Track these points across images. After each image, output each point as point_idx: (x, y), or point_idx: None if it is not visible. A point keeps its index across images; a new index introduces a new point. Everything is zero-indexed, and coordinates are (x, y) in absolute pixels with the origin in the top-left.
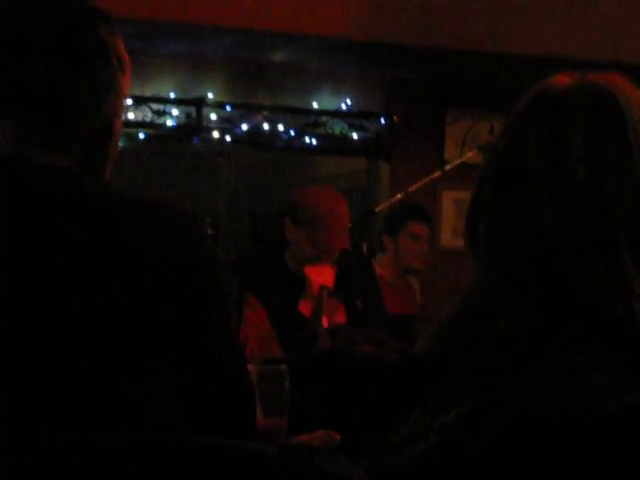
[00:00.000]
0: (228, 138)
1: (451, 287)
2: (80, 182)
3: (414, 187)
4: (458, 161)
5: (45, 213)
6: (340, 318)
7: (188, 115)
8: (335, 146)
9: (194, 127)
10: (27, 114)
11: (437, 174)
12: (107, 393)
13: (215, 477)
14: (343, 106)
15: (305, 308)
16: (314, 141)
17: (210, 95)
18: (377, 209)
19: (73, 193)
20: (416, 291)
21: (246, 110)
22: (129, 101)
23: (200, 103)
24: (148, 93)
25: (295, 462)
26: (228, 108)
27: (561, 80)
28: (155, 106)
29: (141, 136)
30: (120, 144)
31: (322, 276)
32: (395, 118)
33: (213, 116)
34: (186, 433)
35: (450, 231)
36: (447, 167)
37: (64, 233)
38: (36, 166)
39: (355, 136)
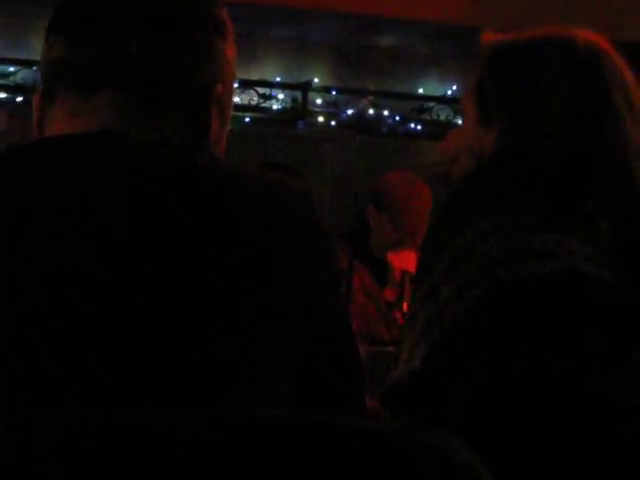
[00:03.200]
0: (333, 123)
1: None
2: (190, 156)
3: None
4: None
5: (158, 191)
6: None
7: (294, 99)
8: (440, 132)
9: (300, 111)
10: (123, 86)
11: None
12: (222, 371)
13: (335, 455)
14: (449, 92)
15: (390, 294)
16: (419, 127)
17: (316, 79)
18: None
19: (185, 169)
20: None
21: (352, 95)
22: (235, 85)
23: (306, 87)
24: (254, 77)
25: (416, 442)
26: (334, 93)
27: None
28: (261, 90)
29: (247, 120)
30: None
31: (404, 261)
32: None
33: (319, 100)
34: (303, 411)
35: None
36: None
37: (180, 212)
38: (142, 141)
39: (460, 122)
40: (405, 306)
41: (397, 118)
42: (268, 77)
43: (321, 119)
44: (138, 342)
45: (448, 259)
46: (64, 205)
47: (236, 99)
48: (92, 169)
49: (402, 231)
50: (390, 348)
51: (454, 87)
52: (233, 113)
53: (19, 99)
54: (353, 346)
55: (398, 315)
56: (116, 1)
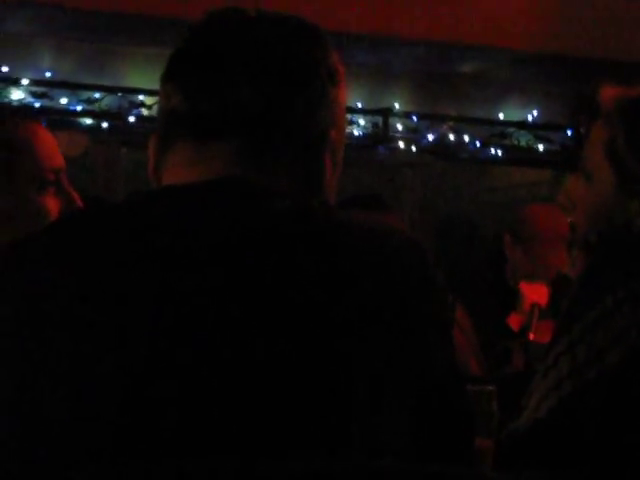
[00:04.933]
0: (414, 148)
1: None
2: (306, 207)
3: None
4: None
5: (276, 241)
6: (545, 338)
7: (375, 124)
8: (520, 157)
9: (380, 137)
10: (238, 135)
11: None
12: (342, 423)
13: None
14: (529, 117)
15: (514, 322)
16: (499, 152)
17: (397, 105)
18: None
19: (301, 220)
20: None
21: (432, 120)
22: None
23: (387, 113)
24: None
25: None
26: (414, 118)
27: None
28: None
29: None
30: None
31: (536, 293)
32: (581, 130)
33: (399, 126)
34: (416, 461)
35: None
36: None
37: (297, 263)
38: (260, 189)
39: (541, 147)
40: (531, 335)
41: (477, 143)
42: (349, 103)
43: (402, 144)
44: (264, 391)
45: (588, 321)
46: (196, 253)
47: None
48: (216, 217)
49: (536, 263)
50: (490, 387)
51: (535, 112)
52: None
53: (104, 125)
54: (462, 391)
55: (517, 345)
56: (231, 49)
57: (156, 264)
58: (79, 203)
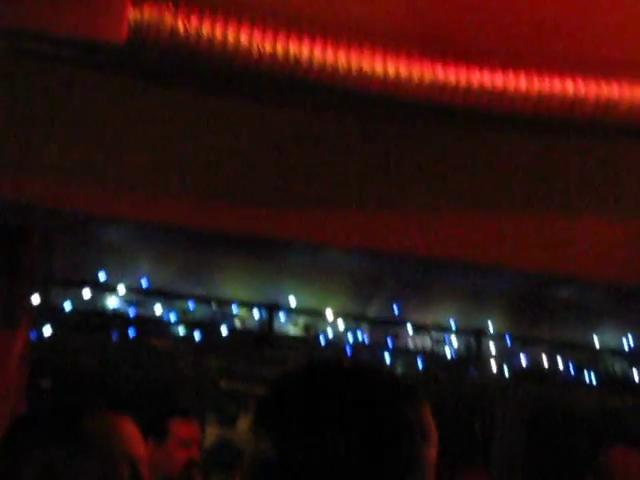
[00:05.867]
0: (506, 370)
1: None
2: None
3: None
4: None
5: None
6: None
7: (467, 345)
8: (614, 383)
9: (473, 357)
10: None
11: None
12: None
13: None
14: (625, 343)
15: None
16: (593, 377)
17: (490, 325)
18: None
19: None
20: None
21: (525, 343)
22: (409, 328)
23: (479, 333)
24: (429, 320)
25: None
26: (507, 339)
27: None
28: (435, 334)
29: (419, 364)
30: (399, 370)
31: None
32: None
33: (492, 347)
34: None
35: None
36: None
37: None
38: None
39: (636, 374)
40: None
41: (571, 368)
42: (442, 321)
43: (494, 366)
44: None
45: None
46: None
47: (409, 342)
48: None
49: None
50: None
51: (630, 338)
52: (405, 357)
53: (197, 336)
54: None
55: None
56: (326, 396)
57: None
58: None
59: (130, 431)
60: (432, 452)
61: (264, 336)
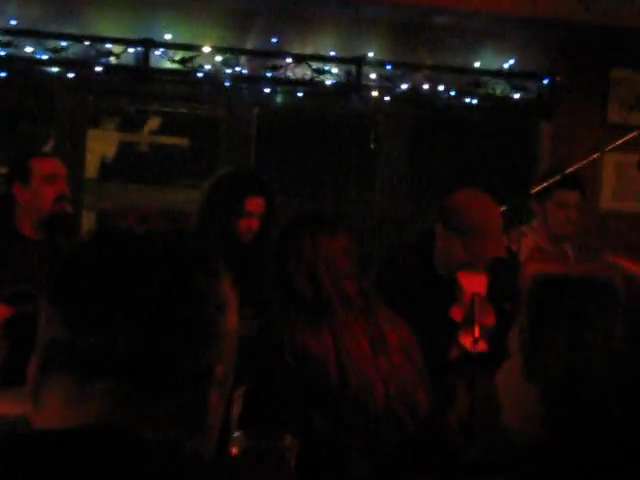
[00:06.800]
0: (387, 97)
1: (611, 249)
2: (174, 459)
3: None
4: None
5: None
6: (489, 320)
7: (348, 73)
8: (496, 106)
9: (353, 85)
10: (118, 375)
11: (595, 156)
12: None
13: None
14: (505, 66)
15: (457, 314)
16: (474, 101)
17: (370, 54)
18: (533, 191)
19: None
20: (570, 258)
21: (406, 69)
22: (289, 59)
23: (360, 61)
24: (309, 51)
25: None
26: (388, 67)
27: None
28: (315, 64)
29: (300, 94)
30: (279, 100)
31: (475, 284)
32: (558, 78)
33: (373, 75)
34: None
35: (610, 193)
36: (607, 149)
37: None
38: (132, 440)
39: (517, 96)
40: (477, 331)
41: (452, 92)
42: (322, 51)
43: (375, 93)
44: None
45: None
46: None
47: (289, 73)
48: (85, 468)
49: (474, 254)
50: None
51: (510, 61)
52: (286, 87)
53: (70, 75)
54: None
55: (466, 338)
56: (115, 278)
57: None
58: None
59: None
60: (232, 319)
61: (140, 71)
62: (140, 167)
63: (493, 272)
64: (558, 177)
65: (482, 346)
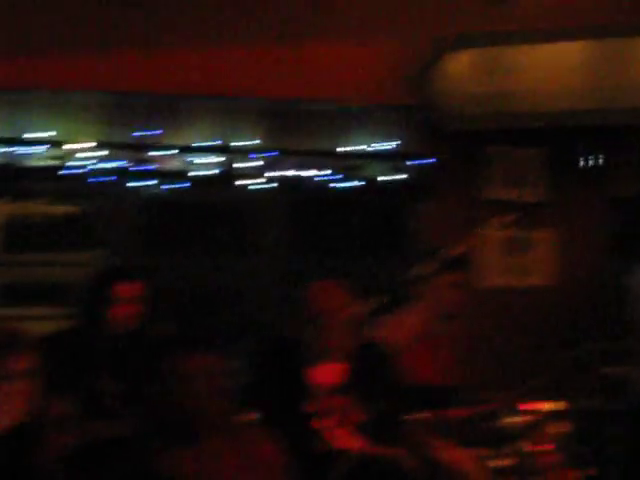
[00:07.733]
0: (260, 184)
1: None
2: None
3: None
4: None
5: None
6: (359, 416)
7: (222, 163)
8: (369, 188)
9: (226, 175)
10: None
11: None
12: None
13: None
14: (381, 148)
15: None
16: (348, 184)
17: (243, 142)
18: (411, 275)
19: None
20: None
21: (280, 155)
22: (163, 152)
23: (233, 151)
24: (185, 142)
25: None
26: (262, 154)
27: None
28: (189, 156)
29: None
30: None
31: (328, 374)
32: (434, 159)
33: (246, 163)
34: None
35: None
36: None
37: None
38: None
39: (392, 178)
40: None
41: (326, 176)
42: (199, 142)
43: (247, 182)
44: None
45: None
46: None
47: (166, 165)
48: None
49: (324, 343)
50: None
51: (390, 144)
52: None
53: None
54: None
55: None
56: None
57: None
58: None
59: None
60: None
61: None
62: None
63: (356, 361)
64: (446, 259)
65: (359, 443)
